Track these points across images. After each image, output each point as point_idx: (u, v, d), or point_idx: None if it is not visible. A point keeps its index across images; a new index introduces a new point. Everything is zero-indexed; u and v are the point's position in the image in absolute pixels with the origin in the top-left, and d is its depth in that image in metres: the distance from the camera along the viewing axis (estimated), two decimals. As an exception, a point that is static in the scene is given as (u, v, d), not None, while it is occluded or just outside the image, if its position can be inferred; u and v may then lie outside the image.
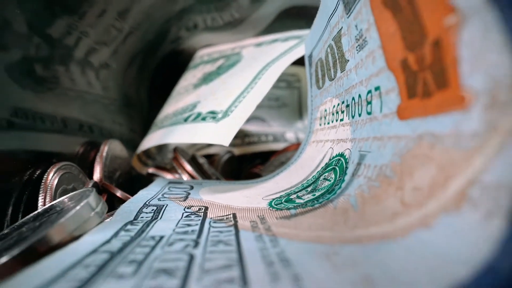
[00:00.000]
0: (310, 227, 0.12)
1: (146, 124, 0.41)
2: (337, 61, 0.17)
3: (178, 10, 0.40)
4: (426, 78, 0.09)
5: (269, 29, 0.39)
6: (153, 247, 0.10)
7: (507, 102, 0.07)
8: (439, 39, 0.08)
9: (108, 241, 0.11)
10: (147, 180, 0.30)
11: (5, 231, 0.15)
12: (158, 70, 0.45)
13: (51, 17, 0.27)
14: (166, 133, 0.26)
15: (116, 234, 0.12)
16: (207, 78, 0.32)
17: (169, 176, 0.27)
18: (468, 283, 0.06)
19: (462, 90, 0.08)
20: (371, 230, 0.10)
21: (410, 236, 0.08)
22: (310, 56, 0.24)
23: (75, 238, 0.12)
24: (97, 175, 0.24)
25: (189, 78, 0.36)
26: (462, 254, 0.07)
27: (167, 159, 0.37)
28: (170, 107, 0.32)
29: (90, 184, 0.21)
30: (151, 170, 0.29)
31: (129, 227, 0.13)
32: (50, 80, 0.27)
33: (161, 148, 0.37)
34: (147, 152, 0.33)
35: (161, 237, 0.11)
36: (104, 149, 0.25)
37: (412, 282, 0.07)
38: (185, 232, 0.12)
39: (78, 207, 0.13)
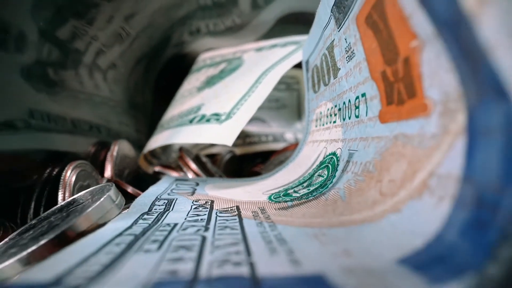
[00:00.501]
0: (304, 215, 0.13)
1: (151, 125, 0.43)
2: (331, 68, 0.19)
3: (181, 15, 0.42)
4: (400, 88, 0.11)
5: (269, 33, 0.41)
6: (170, 231, 0.12)
7: (455, 111, 0.09)
8: (408, 57, 0.10)
9: (130, 227, 0.13)
10: (153, 178, 0.32)
11: (33, 222, 0.17)
12: (162, 73, 0.46)
13: (62, 23, 0.28)
14: (173, 134, 0.28)
15: (135, 222, 0.14)
16: (210, 82, 0.34)
17: (174, 174, 0.29)
18: (422, 249, 0.08)
19: (425, 99, 0.10)
20: (354, 217, 0.12)
21: (383, 219, 0.10)
22: (307, 62, 0.25)
23: (100, 226, 0.14)
24: (108, 173, 0.26)
25: (192, 81, 0.38)
26: (420, 229, 0.09)
27: (171, 158, 0.39)
28: (175, 109, 0.34)
29: (104, 181, 0.23)
30: (157, 169, 0.31)
31: (145, 216, 0.15)
32: (61, 84, 0.29)
33: (165, 148, 0.39)
34: (152, 152, 0.35)
35: (175, 224, 0.13)
36: (115, 149, 0.27)
37: (380, 252, 0.09)
38: (196, 220, 0.14)
39: (102, 199, 0.15)
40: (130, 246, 0.10)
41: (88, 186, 0.22)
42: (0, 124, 0.22)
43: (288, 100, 0.45)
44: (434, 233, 0.08)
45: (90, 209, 0.14)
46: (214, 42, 0.44)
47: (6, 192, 0.20)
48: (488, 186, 0.07)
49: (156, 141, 0.31)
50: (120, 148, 0.28)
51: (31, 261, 0.13)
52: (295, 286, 0.07)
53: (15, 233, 0.16)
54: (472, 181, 0.08)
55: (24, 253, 0.12)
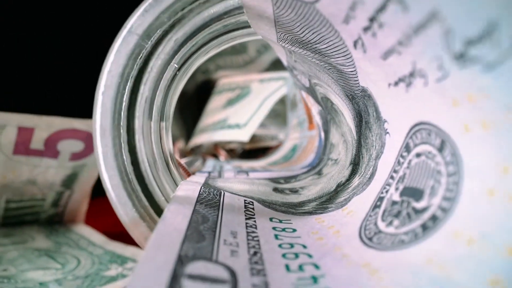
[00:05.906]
0: (278, 167, 0.37)
1: (186, 130, 0.67)
2: (296, 103, 0.43)
3: (207, 53, 0.65)
4: (310, 117, 0.35)
5: (269, 67, 0.64)
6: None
7: (318, 128, 0.32)
8: (310, 116, 0.34)
9: (212, 172, 0.36)
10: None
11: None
12: (193, 92, 0.70)
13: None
14: (210, 135, 0.52)
15: (212, 171, 0.37)
16: (230, 102, 0.57)
17: (212, 158, 0.53)
18: (308, 163, 0.32)
19: (314, 123, 0.33)
20: (293, 163, 0.35)
21: (303, 162, 0.34)
22: (288, 95, 0.49)
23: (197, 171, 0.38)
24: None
25: (217, 101, 0.62)
26: (309, 160, 0.32)
27: (201, 152, 0.62)
28: (208, 120, 0.58)
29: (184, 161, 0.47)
30: (200, 156, 0.54)
31: (215, 170, 0.38)
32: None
33: (199, 145, 0.62)
34: (192, 148, 0.59)
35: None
36: (178, 144, 0.51)
37: (297, 168, 0.32)
38: (238, 167, 0.37)
39: (197, 162, 0.38)
40: (220, 173, 0.34)
41: (172, 163, 0.46)
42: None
43: (282, 111, 0.68)
44: (312, 158, 0.32)
45: (194, 166, 0.37)
46: (230, 72, 0.67)
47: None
48: (320, 148, 0.31)
49: (198, 139, 0.54)
50: (180, 144, 0.52)
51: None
52: (270, 171, 0.31)
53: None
54: (318, 147, 0.31)
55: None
